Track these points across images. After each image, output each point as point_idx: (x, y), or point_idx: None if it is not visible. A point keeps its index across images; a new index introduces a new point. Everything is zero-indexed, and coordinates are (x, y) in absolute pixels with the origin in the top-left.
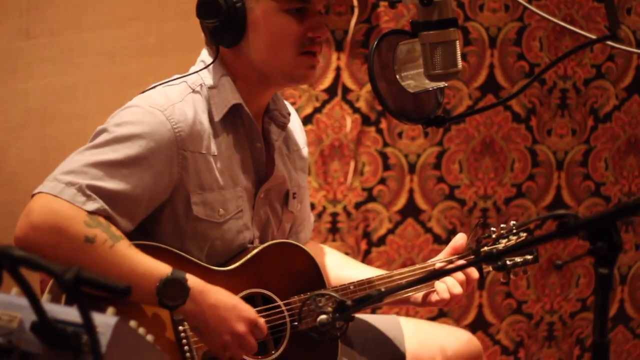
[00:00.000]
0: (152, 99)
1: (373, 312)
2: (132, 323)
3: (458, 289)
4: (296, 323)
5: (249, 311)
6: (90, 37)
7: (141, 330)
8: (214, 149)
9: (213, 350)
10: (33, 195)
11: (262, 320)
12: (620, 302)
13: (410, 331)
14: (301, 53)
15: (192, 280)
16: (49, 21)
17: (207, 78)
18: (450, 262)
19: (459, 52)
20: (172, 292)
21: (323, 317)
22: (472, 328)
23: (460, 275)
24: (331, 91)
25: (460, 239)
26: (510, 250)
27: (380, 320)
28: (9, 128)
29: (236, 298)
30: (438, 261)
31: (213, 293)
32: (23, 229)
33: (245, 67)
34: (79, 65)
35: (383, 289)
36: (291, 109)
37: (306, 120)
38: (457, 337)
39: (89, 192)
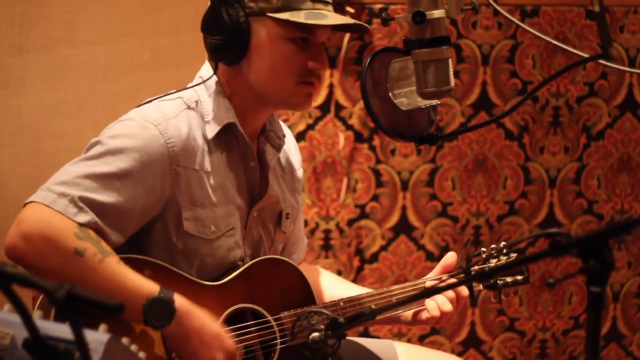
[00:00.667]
0: (146, 113)
1: (365, 331)
2: (124, 340)
3: (448, 307)
4: (287, 339)
5: (231, 344)
6: (84, 52)
7: (133, 347)
8: (207, 165)
9: None
10: (25, 205)
11: (240, 357)
12: (613, 319)
13: (404, 356)
14: (300, 82)
15: (179, 301)
16: (42, 36)
17: (204, 95)
18: (441, 280)
19: (452, 69)
20: (159, 311)
21: (315, 334)
22: (465, 345)
23: (450, 293)
24: (324, 108)
25: (450, 258)
26: (501, 269)
27: (375, 345)
28: (1, 143)
29: (220, 328)
30: (428, 279)
31: (198, 317)
32: (13, 238)
33: (243, 86)
34: (72, 81)
35: (373, 306)
36: (287, 130)
37: (299, 137)
38: None
39: (80, 204)
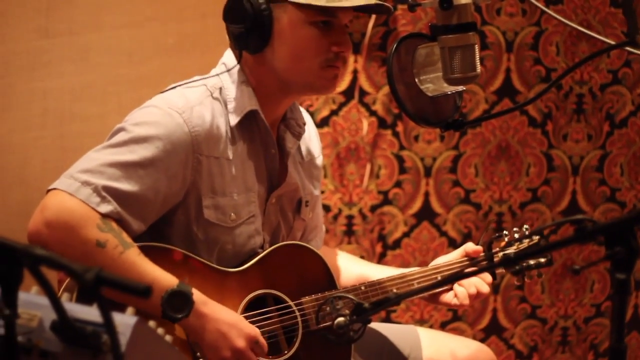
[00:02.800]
0: (171, 101)
1: (387, 316)
2: (151, 323)
3: (473, 289)
4: (308, 323)
5: (250, 328)
6: (109, 36)
7: (160, 331)
8: (229, 153)
9: None
10: (48, 191)
11: (262, 339)
12: (635, 307)
13: (427, 341)
14: (324, 66)
15: (197, 294)
16: (68, 21)
17: (227, 82)
18: (466, 263)
19: (478, 56)
20: (177, 304)
21: (341, 319)
22: (486, 332)
23: (474, 278)
24: (348, 94)
25: (472, 246)
26: (528, 254)
27: (398, 330)
28: (26, 127)
29: (238, 315)
30: (449, 263)
31: (216, 309)
32: (37, 224)
33: (266, 74)
34: (97, 65)
35: (395, 289)
36: (308, 118)
37: (323, 123)
38: (467, 346)
39: (104, 194)
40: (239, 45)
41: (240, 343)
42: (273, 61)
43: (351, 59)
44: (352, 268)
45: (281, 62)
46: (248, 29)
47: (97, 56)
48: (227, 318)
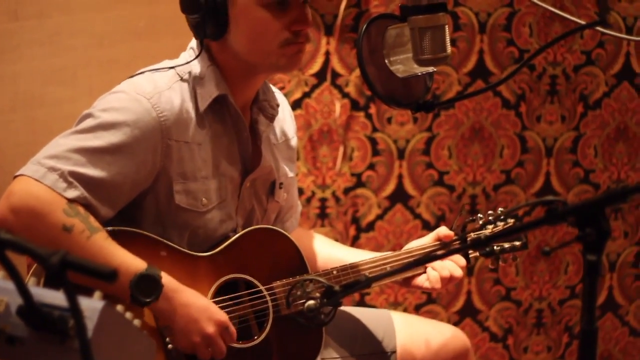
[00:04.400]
0: (139, 86)
1: (362, 299)
2: (119, 307)
3: (445, 272)
4: (279, 308)
5: (220, 314)
6: (80, 19)
7: (128, 315)
8: (199, 138)
9: (182, 349)
10: (15, 177)
11: (232, 326)
12: (609, 289)
13: (401, 325)
14: (284, 45)
15: (166, 278)
16: (37, 3)
17: (196, 66)
18: (438, 246)
19: (448, 37)
20: (146, 288)
21: (311, 302)
22: (461, 315)
23: (447, 261)
24: (320, 76)
25: (444, 230)
26: (499, 236)
27: (371, 314)
28: None
29: (208, 301)
30: (422, 247)
31: (185, 293)
32: (2, 210)
33: (231, 58)
34: (68, 48)
35: (367, 274)
36: (282, 99)
37: (295, 105)
38: (440, 332)
39: (70, 179)
40: (198, 34)
41: (210, 329)
42: (234, 45)
43: (323, 40)
44: (326, 251)
45: (241, 46)
46: (204, 18)
47: (68, 39)
48: (197, 303)
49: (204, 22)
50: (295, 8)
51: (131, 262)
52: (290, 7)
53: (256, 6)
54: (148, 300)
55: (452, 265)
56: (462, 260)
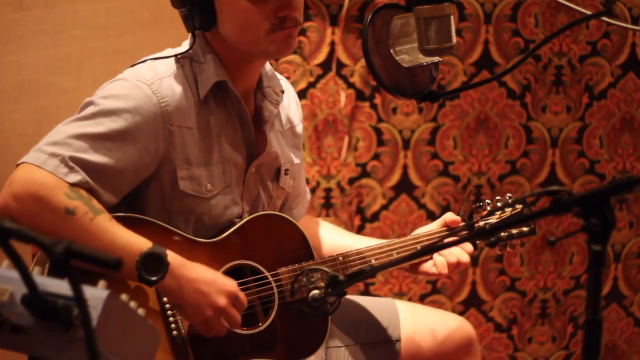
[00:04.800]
0: (140, 73)
1: (366, 289)
2: (124, 296)
3: (452, 258)
4: (285, 294)
5: (229, 284)
6: (84, 9)
7: (132, 304)
8: (201, 124)
9: (196, 326)
10: (18, 165)
11: (242, 294)
12: (614, 280)
13: (406, 314)
14: (271, 32)
15: (172, 255)
16: None
17: (197, 54)
18: (446, 233)
19: (454, 27)
20: (152, 266)
21: (315, 292)
22: (466, 305)
23: (454, 247)
24: (325, 66)
25: (451, 216)
26: (505, 225)
27: (376, 303)
28: (2, 101)
29: (215, 272)
30: (429, 233)
31: (192, 268)
32: (5, 198)
33: (225, 46)
34: (72, 38)
35: (373, 260)
36: (287, 86)
37: (300, 95)
38: (445, 322)
39: (71, 164)
40: (188, 26)
41: (221, 300)
42: (225, 35)
43: (328, 30)
44: (332, 238)
45: (230, 36)
46: (191, 11)
47: (73, 29)
48: (204, 276)
49: (192, 14)
50: None
51: (136, 242)
52: None
53: None
54: (155, 278)
55: (459, 251)
56: (468, 246)
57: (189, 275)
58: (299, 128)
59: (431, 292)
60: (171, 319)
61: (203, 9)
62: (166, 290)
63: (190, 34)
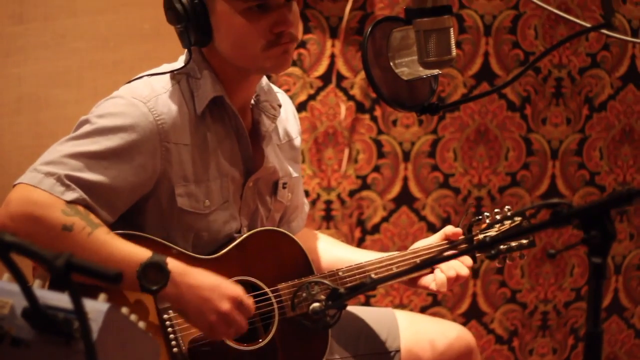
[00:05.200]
0: (136, 90)
1: (367, 301)
2: (124, 309)
3: (451, 272)
4: (285, 310)
5: (233, 289)
6: (85, 22)
7: (133, 317)
8: (198, 140)
9: (202, 332)
10: (14, 186)
11: (247, 298)
12: (615, 291)
13: (405, 324)
14: (267, 48)
15: (172, 263)
16: (43, 5)
17: (193, 70)
18: (445, 247)
19: (453, 39)
20: (153, 276)
21: (316, 305)
22: (466, 317)
23: (453, 261)
24: (325, 78)
25: (452, 229)
26: (504, 238)
27: (375, 314)
28: (2, 113)
29: (218, 277)
30: (429, 246)
31: (194, 274)
32: (1, 219)
33: (221, 62)
34: (73, 51)
35: (373, 274)
36: (285, 99)
37: (300, 107)
38: (445, 331)
39: (67, 182)
40: (184, 43)
41: (225, 306)
42: (221, 51)
43: (328, 43)
44: (331, 252)
45: (226, 52)
46: (187, 27)
47: (73, 41)
48: (207, 282)
49: (187, 30)
50: (275, 9)
51: (135, 253)
52: (270, 9)
53: (234, 13)
54: (156, 288)
55: (459, 265)
56: (468, 260)
57: (191, 282)
58: (297, 141)
59: (432, 304)
60: (171, 335)
61: (199, 25)
62: (169, 298)
63: (186, 51)
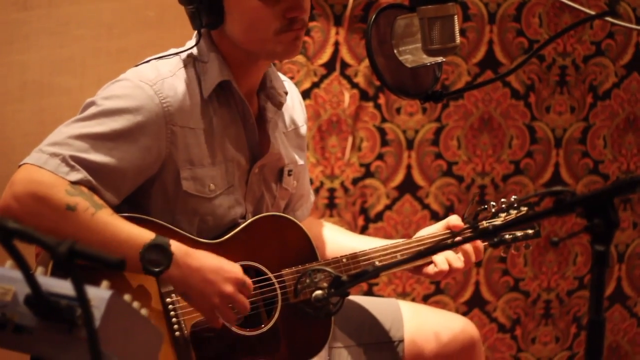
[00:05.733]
0: (142, 73)
1: (370, 289)
2: (127, 297)
3: (459, 264)
4: (288, 296)
5: (235, 271)
6: (89, 9)
7: (135, 304)
8: (204, 124)
9: (204, 314)
10: (19, 166)
11: (247, 278)
12: (618, 280)
13: (409, 315)
14: (280, 32)
15: (175, 245)
16: None
17: (201, 53)
18: (450, 235)
19: (457, 27)
20: (156, 257)
21: (318, 292)
22: (469, 305)
23: (450, 253)
24: (329, 66)
25: (455, 220)
26: (508, 226)
27: (379, 303)
28: (6, 101)
29: (220, 258)
30: (432, 235)
31: (197, 256)
32: (6, 199)
33: (230, 46)
34: (77, 38)
35: (377, 262)
36: (291, 87)
37: (304, 95)
38: (449, 323)
39: (72, 163)
40: (195, 24)
41: (228, 288)
42: (232, 34)
43: (332, 30)
44: (336, 239)
45: (237, 35)
46: (199, 8)
47: (77, 29)
48: (210, 264)
49: (199, 12)
50: None
51: (138, 234)
52: None
53: None
54: (159, 269)
55: (454, 257)
56: (481, 245)
57: (194, 264)
58: (303, 129)
59: (435, 293)
60: (174, 319)
61: (211, 6)
62: (172, 280)
63: (194, 34)
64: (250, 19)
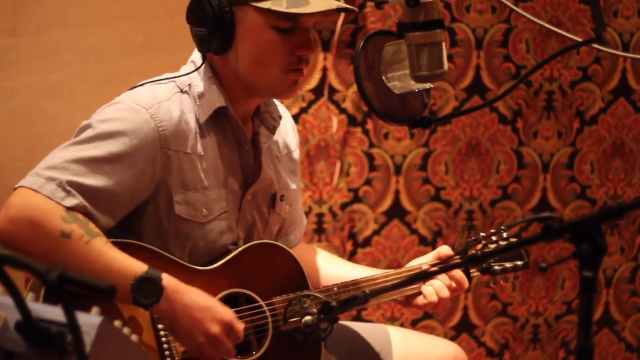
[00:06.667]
0: (138, 97)
1: (358, 314)
2: (117, 323)
3: (445, 293)
4: (279, 323)
5: (225, 313)
6: (77, 35)
7: (126, 330)
8: (199, 149)
9: (190, 350)
10: (15, 189)
11: (238, 324)
12: (606, 305)
13: (398, 341)
14: (287, 71)
15: (167, 279)
16: (35, 18)
17: (196, 79)
18: (438, 265)
19: (445, 53)
20: (147, 290)
21: (308, 318)
22: (457, 330)
23: (446, 279)
24: (317, 91)
25: (446, 250)
26: (496, 253)
27: (368, 329)
28: None
29: (212, 299)
30: (422, 265)
31: (187, 293)
32: (1, 222)
33: (231, 74)
34: (65, 64)
35: (367, 291)
36: (284, 111)
37: None
38: (438, 349)
39: (68, 188)
40: (202, 47)
41: (214, 329)
42: (236, 63)
43: (320, 56)
44: (328, 267)
45: (244, 65)
46: (210, 32)
47: (65, 54)
48: (199, 303)
49: (209, 36)
50: (301, 33)
51: (131, 265)
52: (296, 31)
53: (265, 27)
54: (148, 302)
55: (440, 287)
56: (465, 281)
57: (184, 300)
58: (296, 154)
59: (423, 317)
60: (165, 345)
61: (223, 32)
62: (161, 314)
63: (191, 59)
64: (263, 51)
